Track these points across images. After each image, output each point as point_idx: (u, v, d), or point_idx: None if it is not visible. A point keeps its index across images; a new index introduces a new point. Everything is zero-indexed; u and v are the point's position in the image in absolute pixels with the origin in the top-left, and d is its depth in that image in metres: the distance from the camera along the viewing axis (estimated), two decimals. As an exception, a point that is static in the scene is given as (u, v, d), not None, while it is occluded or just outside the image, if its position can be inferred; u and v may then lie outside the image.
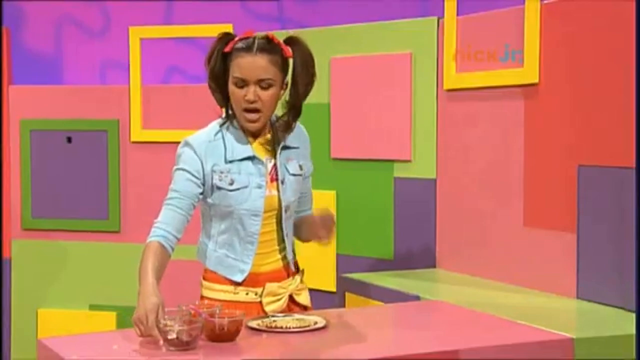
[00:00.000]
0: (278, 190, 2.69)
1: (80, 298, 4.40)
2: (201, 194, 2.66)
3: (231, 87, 2.65)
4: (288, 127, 2.72)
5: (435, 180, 3.66)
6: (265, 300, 2.69)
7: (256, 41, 2.62)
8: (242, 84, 2.62)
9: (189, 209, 2.64)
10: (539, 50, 3.17)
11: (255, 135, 2.70)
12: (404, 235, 3.73)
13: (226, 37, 2.67)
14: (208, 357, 2.30)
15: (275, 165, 2.70)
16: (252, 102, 2.61)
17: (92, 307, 4.38)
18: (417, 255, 3.69)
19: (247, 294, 2.69)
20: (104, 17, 5.79)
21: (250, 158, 2.67)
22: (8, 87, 4.43)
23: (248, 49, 2.61)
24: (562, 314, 2.90)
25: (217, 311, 2.44)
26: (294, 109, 2.71)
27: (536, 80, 3.18)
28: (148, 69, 4.36)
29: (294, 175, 2.73)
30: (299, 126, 2.80)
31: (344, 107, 3.91)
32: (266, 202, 2.67)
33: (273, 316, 2.60)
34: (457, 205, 3.57)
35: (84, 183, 4.36)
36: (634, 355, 2.50)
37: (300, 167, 2.76)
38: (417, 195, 3.69)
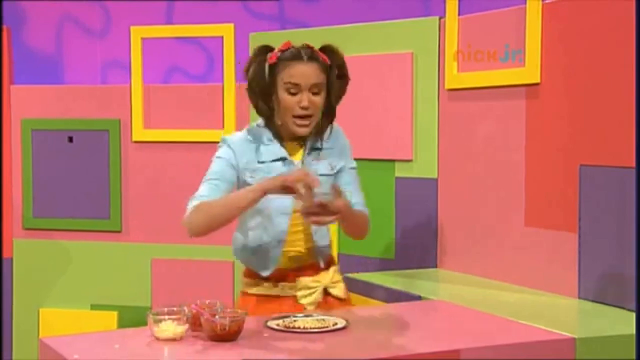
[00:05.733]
0: None
1: (82, 297, 4.40)
2: (234, 183, 2.75)
3: (282, 95, 2.73)
4: (321, 130, 2.81)
5: (436, 180, 3.66)
6: (299, 294, 2.79)
7: (302, 50, 2.73)
8: (295, 90, 2.71)
9: (225, 191, 2.71)
10: (540, 50, 3.17)
11: (289, 139, 2.79)
12: (406, 235, 3.73)
13: (266, 49, 2.78)
14: (209, 356, 2.30)
15: (305, 165, 2.78)
16: (306, 108, 2.70)
17: (94, 307, 4.38)
18: (419, 254, 3.70)
19: (282, 288, 2.80)
20: (105, 17, 5.80)
21: (282, 159, 2.77)
22: (9, 86, 4.43)
23: (297, 57, 2.72)
24: (563, 313, 2.90)
25: (219, 311, 2.44)
26: (329, 113, 2.80)
27: (537, 80, 3.18)
28: (149, 68, 4.37)
29: (323, 175, 2.79)
30: (336, 127, 2.88)
31: (344, 106, 3.90)
32: (295, 201, 2.72)
33: (293, 316, 2.62)
34: (458, 205, 3.57)
35: (85, 183, 4.36)
36: (634, 355, 2.50)
37: (332, 167, 2.83)
38: (418, 195, 3.69)
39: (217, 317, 2.39)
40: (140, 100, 4.30)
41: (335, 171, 2.85)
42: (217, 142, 4.20)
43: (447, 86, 3.57)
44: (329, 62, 2.75)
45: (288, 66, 2.72)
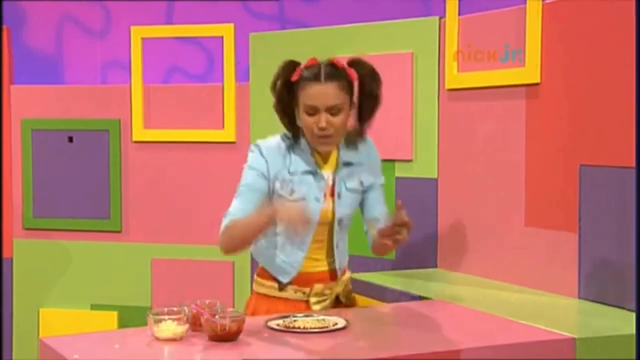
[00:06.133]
0: (333, 204, 2.79)
1: (82, 297, 4.40)
2: (266, 193, 2.75)
3: (302, 115, 2.73)
4: (352, 145, 2.81)
5: (436, 180, 3.66)
6: (312, 299, 2.80)
7: (322, 69, 2.69)
8: (313, 111, 2.70)
9: (257, 202, 2.72)
10: (540, 50, 3.17)
11: (320, 152, 2.79)
12: (405, 235, 3.73)
13: (291, 65, 2.74)
14: (209, 356, 2.30)
15: (334, 179, 2.79)
16: (323, 129, 2.69)
17: (94, 307, 4.38)
18: (419, 254, 3.70)
19: (295, 292, 2.80)
20: (105, 17, 5.80)
21: (312, 172, 2.76)
22: (9, 86, 4.43)
23: (316, 77, 2.69)
24: (563, 313, 2.90)
25: (219, 311, 2.44)
26: (360, 130, 2.80)
27: (537, 80, 3.18)
28: (149, 68, 4.37)
29: (351, 191, 2.82)
30: (369, 142, 2.90)
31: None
32: (321, 214, 2.77)
33: (293, 316, 2.62)
34: (458, 205, 3.57)
35: (85, 183, 4.36)
36: (634, 355, 2.50)
37: (361, 183, 2.84)
38: (418, 195, 3.69)
39: (217, 317, 2.39)
40: (140, 100, 4.30)
41: (364, 187, 2.87)
42: (217, 143, 4.24)
43: (447, 86, 3.57)
44: (355, 76, 2.73)
45: (306, 86, 2.70)
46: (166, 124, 4.31)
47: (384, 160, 3.77)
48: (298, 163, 2.76)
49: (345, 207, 2.81)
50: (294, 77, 2.72)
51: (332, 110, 2.69)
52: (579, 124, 3.03)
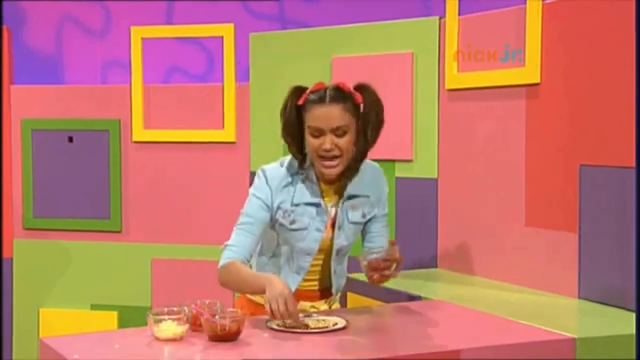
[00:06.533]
0: (333, 234, 2.79)
1: (82, 297, 4.40)
2: (268, 223, 2.76)
3: (308, 138, 2.72)
4: (354, 171, 2.78)
5: (436, 180, 3.66)
6: None
7: (327, 92, 2.70)
8: (318, 133, 2.69)
9: (259, 233, 2.75)
10: (540, 50, 3.17)
11: (326, 182, 2.78)
12: (406, 235, 3.72)
13: (298, 91, 2.74)
14: (209, 356, 2.30)
15: (336, 211, 2.79)
16: (329, 151, 2.69)
17: (94, 307, 4.39)
18: (419, 254, 3.69)
19: None
20: (105, 17, 5.80)
21: (316, 204, 2.76)
22: (9, 86, 4.43)
23: (320, 100, 2.69)
24: (563, 313, 2.90)
25: (219, 311, 2.44)
26: (361, 155, 2.77)
27: (537, 80, 3.18)
28: (149, 68, 4.37)
29: (353, 223, 2.82)
30: (377, 173, 2.89)
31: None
32: (321, 243, 2.78)
33: None
34: (458, 205, 3.57)
35: (85, 183, 4.36)
36: (634, 355, 2.50)
37: (364, 215, 2.84)
38: (418, 195, 3.69)
39: (217, 317, 2.39)
40: (140, 100, 4.30)
41: (366, 219, 2.86)
42: (217, 143, 4.24)
43: (447, 86, 3.57)
44: (362, 101, 2.72)
45: (312, 108, 2.69)
46: (166, 124, 4.31)
47: (384, 160, 3.79)
48: (303, 194, 2.76)
49: (344, 238, 2.82)
50: (301, 101, 2.72)
51: (337, 132, 2.68)
52: (579, 124, 3.03)
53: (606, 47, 2.92)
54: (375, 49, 3.80)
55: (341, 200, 2.79)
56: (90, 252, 4.39)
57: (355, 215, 2.82)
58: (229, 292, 4.19)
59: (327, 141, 2.68)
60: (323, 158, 2.70)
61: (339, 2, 5.64)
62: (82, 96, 4.40)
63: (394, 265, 2.67)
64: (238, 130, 4.22)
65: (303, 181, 2.76)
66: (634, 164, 2.73)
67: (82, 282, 4.40)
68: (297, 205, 2.75)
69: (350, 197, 2.80)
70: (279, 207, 2.74)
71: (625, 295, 2.84)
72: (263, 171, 2.79)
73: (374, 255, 2.69)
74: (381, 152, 3.82)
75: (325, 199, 2.79)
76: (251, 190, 2.78)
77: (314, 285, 2.85)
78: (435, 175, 3.67)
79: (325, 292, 2.87)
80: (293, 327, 2.50)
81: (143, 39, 4.28)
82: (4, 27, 4.31)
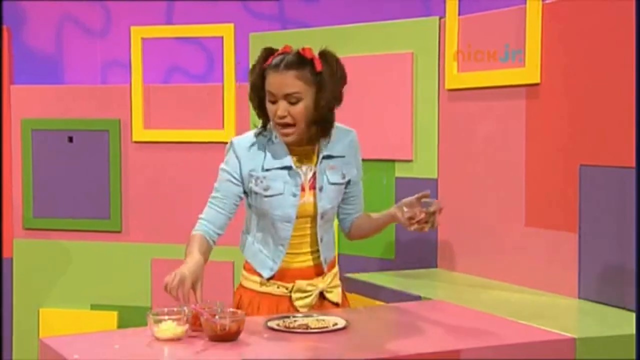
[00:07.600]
0: (315, 197, 2.76)
1: (82, 297, 4.40)
2: (243, 192, 2.77)
3: (267, 102, 2.72)
4: (322, 137, 2.76)
5: (436, 180, 3.66)
6: (294, 295, 2.79)
7: (286, 57, 2.69)
8: (273, 99, 2.69)
9: (230, 208, 2.77)
10: (540, 50, 3.17)
11: (296, 144, 2.76)
12: (406, 235, 3.73)
13: (267, 53, 2.74)
14: (209, 356, 2.30)
15: (315, 173, 2.77)
16: (282, 117, 2.67)
17: (94, 307, 4.39)
18: (419, 254, 3.70)
19: (277, 287, 2.80)
20: (105, 17, 5.80)
21: (287, 167, 2.74)
22: (9, 86, 4.43)
23: (276, 66, 2.68)
24: (563, 313, 2.90)
25: (219, 311, 2.44)
26: (323, 119, 2.73)
27: (537, 80, 3.18)
28: (149, 68, 4.37)
29: (333, 184, 2.80)
30: (351, 134, 2.87)
31: (345, 106, 3.90)
32: (301, 209, 2.75)
33: (293, 316, 2.62)
34: (458, 205, 3.57)
35: (85, 183, 4.36)
36: (634, 355, 2.50)
37: (343, 176, 2.82)
38: (418, 195, 3.69)
39: (217, 317, 2.39)
40: (140, 100, 4.30)
41: (346, 180, 2.84)
42: (217, 143, 4.23)
43: (447, 86, 3.57)
44: (321, 68, 2.69)
45: (269, 74, 2.69)
46: (166, 124, 4.31)
47: (384, 160, 3.80)
48: (273, 159, 2.74)
49: (327, 201, 2.78)
50: (265, 64, 2.71)
51: (290, 99, 2.66)
52: (579, 124, 3.03)
53: (606, 47, 2.92)
54: (375, 49, 3.80)
55: (318, 162, 2.77)
56: (90, 252, 4.39)
57: (335, 177, 2.80)
58: (229, 292, 4.22)
59: (280, 107, 2.67)
60: (278, 125, 2.70)
61: (339, 2, 5.64)
62: (82, 96, 4.40)
63: (435, 218, 2.74)
64: (238, 130, 4.22)
65: (273, 147, 2.74)
66: (634, 164, 2.73)
67: (82, 282, 4.40)
68: (268, 170, 2.73)
69: (326, 157, 2.78)
70: (250, 175, 2.73)
71: (625, 295, 2.84)
72: (231, 142, 2.79)
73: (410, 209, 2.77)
74: (381, 152, 3.83)
75: (303, 161, 2.77)
76: (221, 164, 2.80)
77: (307, 261, 2.81)
78: (435, 175, 3.67)
79: (319, 269, 2.84)
80: (293, 327, 2.50)
81: (143, 39, 4.28)
82: (4, 27, 4.31)
